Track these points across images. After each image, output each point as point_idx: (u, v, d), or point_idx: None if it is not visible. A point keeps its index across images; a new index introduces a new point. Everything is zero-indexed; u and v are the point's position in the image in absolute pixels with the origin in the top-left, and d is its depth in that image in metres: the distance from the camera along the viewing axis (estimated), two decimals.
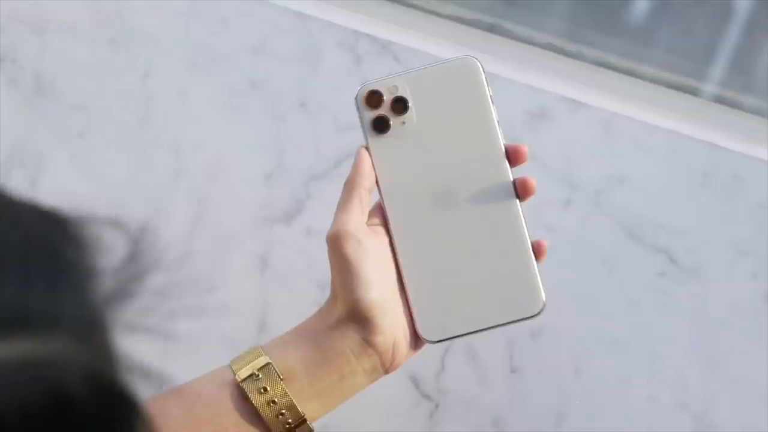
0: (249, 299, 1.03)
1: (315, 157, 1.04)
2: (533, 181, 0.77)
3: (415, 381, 0.98)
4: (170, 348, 1.02)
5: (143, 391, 0.44)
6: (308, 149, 1.05)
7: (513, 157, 0.78)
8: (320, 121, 1.05)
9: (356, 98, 0.79)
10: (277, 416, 0.74)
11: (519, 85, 1.02)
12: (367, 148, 0.78)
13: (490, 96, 0.77)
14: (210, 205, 1.05)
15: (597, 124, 0.99)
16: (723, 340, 0.94)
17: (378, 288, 0.74)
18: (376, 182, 0.78)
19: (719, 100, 1.06)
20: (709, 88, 1.07)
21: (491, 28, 1.09)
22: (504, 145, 0.78)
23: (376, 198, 0.79)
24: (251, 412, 0.74)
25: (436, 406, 0.98)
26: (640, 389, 0.95)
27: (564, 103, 1.00)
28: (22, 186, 1.05)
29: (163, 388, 1.00)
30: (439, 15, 1.10)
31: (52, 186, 1.08)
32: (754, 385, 0.93)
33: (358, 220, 0.75)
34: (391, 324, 0.75)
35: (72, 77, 1.10)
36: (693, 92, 1.06)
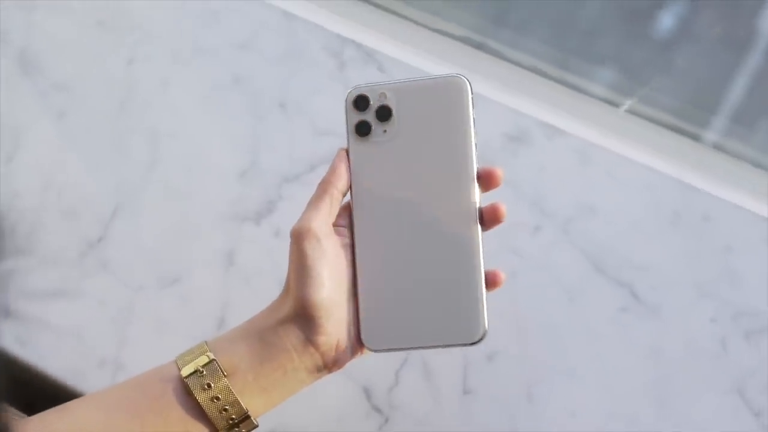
0: (211, 295, 1.03)
1: (290, 159, 1.04)
2: (504, 209, 0.77)
3: (367, 393, 0.98)
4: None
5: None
6: (284, 150, 1.05)
7: (486, 180, 0.77)
8: (298, 123, 1.05)
9: (346, 99, 0.79)
10: (220, 412, 0.75)
11: (500, 106, 1.02)
12: (347, 151, 0.79)
13: (473, 118, 0.77)
14: (181, 196, 1.06)
15: (573, 152, 0.99)
16: (677, 381, 0.94)
17: (328, 289, 0.74)
18: (350, 185, 0.78)
19: (718, 147, 1.07)
20: (704, 134, 1.08)
21: (479, 47, 1.09)
22: (478, 168, 0.77)
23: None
24: (195, 408, 0.75)
25: (386, 420, 0.98)
26: (589, 421, 0.95)
27: (543, 128, 1.00)
28: None
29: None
30: (428, 28, 1.10)
31: (28, 163, 1.09)
32: (703, 429, 0.94)
33: (322, 220, 0.76)
34: (335, 325, 0.75)
35: (57, 56, 1.11)
36: (683, 133, 1.07)
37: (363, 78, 1.03)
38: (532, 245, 0.99)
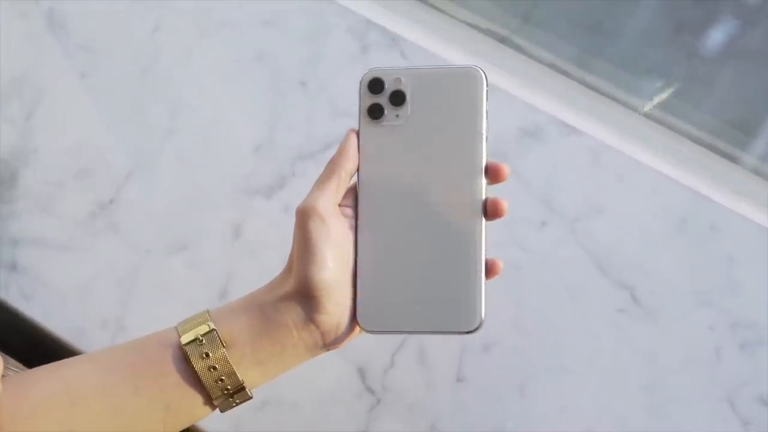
0: (216, 265, 1.05)
1: (306, 137, 1.07)
2: (505, 205, 0.78)
3: (362, 373, 1.00)
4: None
5: None
6: (301, 128, 1.07)
7: (493, 174, 0.79)
8: (317, 102, 1.07)
9: (360, 81, 0.80)
10: (216, 381, 0.76)
11: (517, 101, 1.04)
12: (357, 133, 0.80)
13: (486, 110, 0.79)
14: (195, 166, 1.08)
15: (586, 151, 1.02)
16: (669, 386, 0.96)
17: (331, 269, 0.76)
18: (358, 166, 0.80)
19: (756, 171, 1.08)
20: (740, 155, 1.09)
21: (502, 40, 1.11)
22: (487, 161, 0.79)
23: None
24: (192, 376, 0.77)
25: (378, 401, 1.00)
26: (579, 419, 0.97)
27: (558, 126, 1.02)
28: (17, 116, 1.08)
29: None
30: (454, 18, 1.12)
31: (46, 121, 1.11)
32: None
33: (328, 200, 0.77)
34: (336, 305, 0.77)
35: (84, 19, 1.13)
36: (718, 152, 1.08)
37: (386, 63, 1.05)
38: (537, 240, 1.01)
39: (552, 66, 1.10)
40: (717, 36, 1.14)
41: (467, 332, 0.78)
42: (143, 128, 1.10)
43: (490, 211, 0.78)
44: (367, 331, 0.79)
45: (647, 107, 1.09)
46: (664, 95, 1.12)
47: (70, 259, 1.07)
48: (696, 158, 1.05)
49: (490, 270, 0.79)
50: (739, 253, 0.98)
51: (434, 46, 1.08)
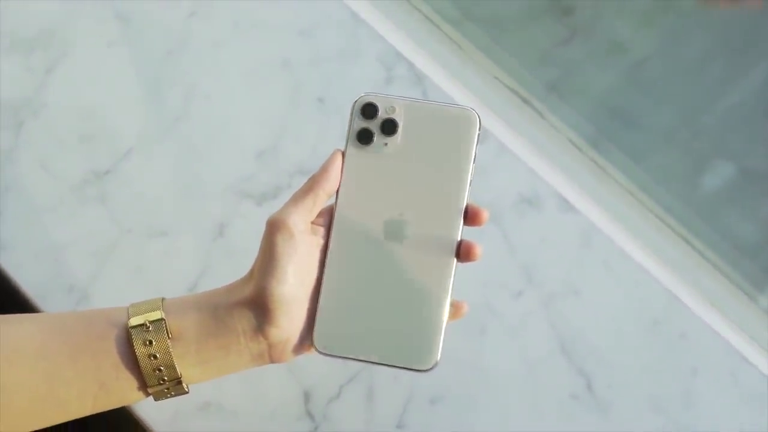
0: (192, 258, 1.08)
1: (310, 153, 1.10)
2: (479, 250, 0.80)
3: (306, 396, 1.03)
4: None
5: None
6: (308, 143, 1.10)
7: (471, 216, 0.81)
8: (330, 121, 1.11)
9: (354, 102, 0.83)
10: (154, 370, 0.79)
11: (524, 166, 1.07)
12: (343, 154, 0.83)
13: (475, 154, 0.81)
14: (195, 157, 1.11)
15: (578, 232, 1.04)
16: None
17: (290, 284, 0.78)
18: (338, 188, 0.82)
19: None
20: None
21: (525, 102, 1.14)
22: (467, 204, 0.81)
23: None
24: (131, 359, 0.79)
25: (316, 428, 1.02)
26: None
27: (557, 200, 1.05)
28: (38, 67, 1.11)
29: None
30: (483, 69, 1.15)
31: (64, 79, 1.15)
32: None
33: (301, 217, 0.80)
34: (289, 321, 0.79)
35: None
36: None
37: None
38: (509, 308, 1.04)
39: (567, 139, 1.13)
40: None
41: (420, 371, 0.80)
42: (155, 108, 1.13)
43: (463, 253, 0.80)
44: (320, 353, 0.81)
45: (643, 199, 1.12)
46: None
47: (53, 220, 1.10)
48: (683, 262, 1.07)
49: (454, 312, 0.81)
50: (703, 367, 1.00)
51: (457, 92, 1.11)
